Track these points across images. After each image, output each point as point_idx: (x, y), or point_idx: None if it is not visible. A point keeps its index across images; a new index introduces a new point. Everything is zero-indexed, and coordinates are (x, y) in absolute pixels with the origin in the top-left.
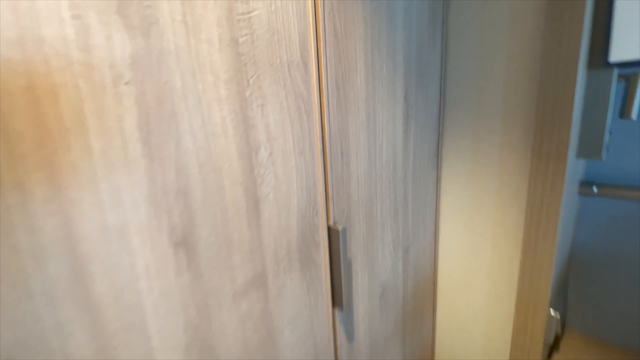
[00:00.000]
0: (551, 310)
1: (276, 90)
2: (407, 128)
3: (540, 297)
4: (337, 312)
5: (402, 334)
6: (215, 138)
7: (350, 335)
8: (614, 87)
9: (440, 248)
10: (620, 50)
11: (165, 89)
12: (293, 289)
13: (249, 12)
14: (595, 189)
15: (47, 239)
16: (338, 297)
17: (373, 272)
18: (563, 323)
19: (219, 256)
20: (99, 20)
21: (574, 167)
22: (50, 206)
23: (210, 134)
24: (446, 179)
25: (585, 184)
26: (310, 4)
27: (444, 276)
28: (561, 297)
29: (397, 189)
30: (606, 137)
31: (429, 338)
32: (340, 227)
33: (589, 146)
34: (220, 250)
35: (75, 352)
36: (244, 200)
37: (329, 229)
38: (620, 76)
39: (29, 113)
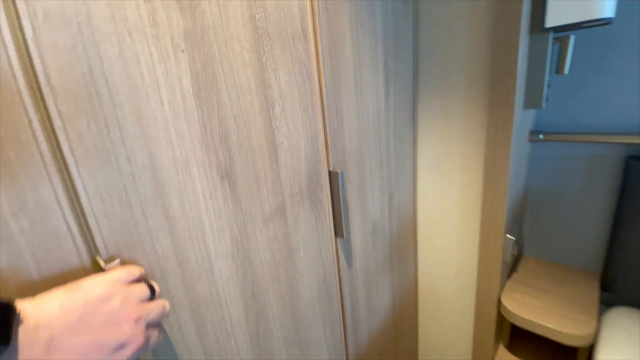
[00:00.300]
0: (507, 235)
1: (284, 57)
2: (387, 91)
3: (497, 225)
4: (338, 240)
5: (390, 266)
6: (243, 95)
7: (349, 261)
8: (550, 48)
9: (419, 194)
10: (554, 17)
11: (208, 56)
12: (305, 219)
13: None
14: (541, 136)
15: (138, 167)
16: (339, 228)
17: (365, 212)
18: (521, 251)
19: (252, 189)
20: (161, 3)
21: (523, 118)
22: (140, 142)
23: (239, 92)
24: (422, 134)
25: (534, 132)
26: None
27: (422, 217)
28: (517, 227)
29: (382, 144)
30: (545, 90)
31: (412, 269)
32: (339, 171)
33: (532, 98)
34: (252, 184)
35: (160, 252)
36: (265, 146)
37: (329, 173)
38: (555, 39)
39: (121, 73)
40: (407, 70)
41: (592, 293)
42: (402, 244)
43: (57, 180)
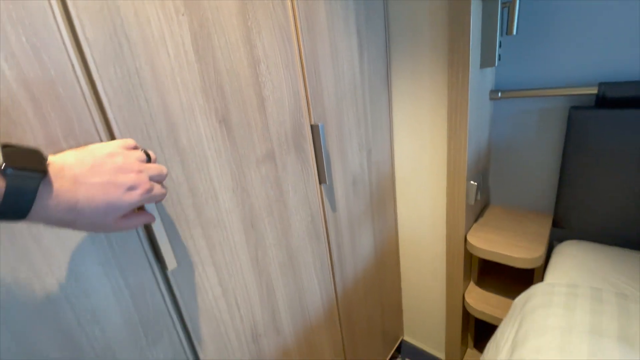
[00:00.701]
0: (471, 181)
1: (266, 21)
2: (361, 56)
3: (460, 172)
4: (322, 187)
5: (372, 215)
6: (233, 52)
7: (333, 206)
8: (499, 12)
9: (396, 151)
10: None
11: (203, 19)
12: (292, 165)
13: None
14: (499, 94)
15: (154, 107)
16: (322, 175)
17: (345, 165)
18: (488, 201)
19: (245, 134)
20: None
21: (481, 77)
22: (154, 87)
23: (230, 50)
24: (395, 97)
25: (494, 91)
26: None
27: (400, 172)
28: (480, 176)
29: (358, 104)
30: (497, 49)
31: (392, 219)
32: (319, 124)
33: (486, 57)
34: (245, 130)
35: (175, 178)
36: (254, 98)
37: (311, 126)
38: (503, 3)
39: (137, 30)
40: (379, 38)
41: (544, 228)
42: (382, 196)
43: (95, 113)
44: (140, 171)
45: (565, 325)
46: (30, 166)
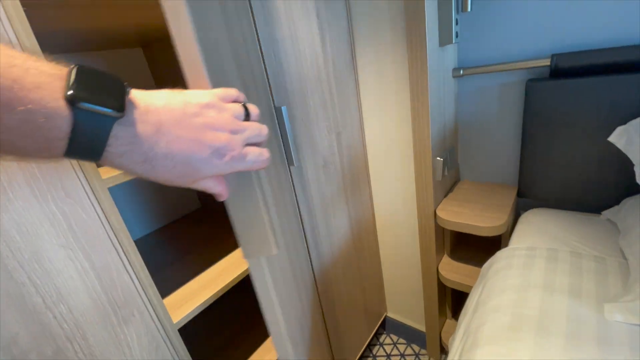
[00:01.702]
0: (437, 158)
1: (236, 3)
2: (323, 39)
3: (425, 149)
4: (291, 169)
5: (345, 197)
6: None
7: (304, 188)
8: None
9: (366, 132)
10: None
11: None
12: (273, 150)
13: None
14: (462, 72)
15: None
16: (289, 158)
17: (314, 148)
18: (458, 177)
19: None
20: None
21: (442, 55)
22: None
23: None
24: (363, 78)
25: (456, 69)
26: None
27: (371, 152)
28: (447, 152)
29: (323, 87)
30: (454, 26)
31: (368, 200)
32: (282, 107)
33: (444, 35)
34: None
35: None
36: (251, 77)
37: (275, 109)
38: None
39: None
40: (341, 21)
41: (509, 198)
42: (355, 177)
43: None
44: (234, 131)
45: (522, 284)
46: (107, 102)
